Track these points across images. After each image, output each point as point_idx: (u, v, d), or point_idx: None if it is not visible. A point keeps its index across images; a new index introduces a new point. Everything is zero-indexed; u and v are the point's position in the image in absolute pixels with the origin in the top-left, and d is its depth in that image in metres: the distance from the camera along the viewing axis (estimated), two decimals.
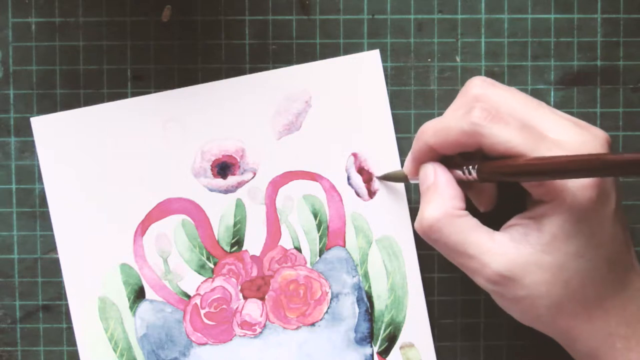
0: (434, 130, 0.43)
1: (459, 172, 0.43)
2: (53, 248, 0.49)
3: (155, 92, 0.49)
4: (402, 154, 0.49)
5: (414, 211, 0.49)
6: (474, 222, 0.43)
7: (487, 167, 0.42)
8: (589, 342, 0.43)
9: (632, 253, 0.44)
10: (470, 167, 0.43)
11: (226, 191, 0.49)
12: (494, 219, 0.44)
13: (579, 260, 0.41)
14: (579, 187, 0.40)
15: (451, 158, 0.45)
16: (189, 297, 0.49)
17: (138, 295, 0.49)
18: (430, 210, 0.43)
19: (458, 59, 0.50)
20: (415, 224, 0.44)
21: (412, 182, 0.47)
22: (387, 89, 0.49)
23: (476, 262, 0.42)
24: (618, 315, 0.42)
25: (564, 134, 0.41)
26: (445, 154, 0.44)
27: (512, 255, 0.41)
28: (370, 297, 0.49)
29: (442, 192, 0.43)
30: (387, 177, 0.49)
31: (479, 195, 0.46)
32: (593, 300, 0.42)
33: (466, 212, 0.43)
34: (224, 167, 0.49)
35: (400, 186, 0.49)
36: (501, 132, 0.41)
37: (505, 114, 0.42)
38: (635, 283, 0.43)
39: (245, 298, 0.49)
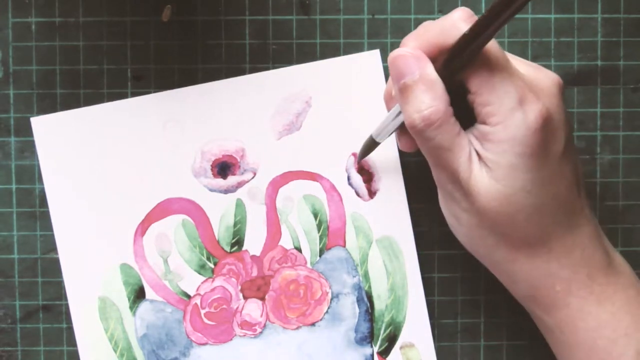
0: (415, 33, 0.42)
1: None
2: (53, 248, 0.49)
3: (155, 92, 0.49)
4: (402, 153, 0.49)
5: (414, 211, 0.49)
6: (458, 123, 0.42)
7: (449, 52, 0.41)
8: (529, 280, 0.43)
9: (582, 197, 0.43)
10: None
11: (226, 191, 0.49)
12: None
13: (525, 195, 0.41)
14: (525, 119, 0.40)
15: None
16: (189, 297, 0.49)
17: (138, 295, 0.49)
18: (428, 105, 0.41)
19: None
20: (411, 120, 0.41)
21: (379, 139, 0.46)
22: None
23: (456, 165, 0.41)
24: (561, 257, 0.42)
25: (524, 68, 0.42)
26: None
27: (474, 172, 0.41)
28: (370, 297, 0.49)
29: (436, 87, 0.41)
30: (363, 153, 0.48)
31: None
32: (537, 238, 0.42)
33: (452, 111, 0.41)
34: (224, 167, 0.49)
35: (401, 186, 0.49)
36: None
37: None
38: (582, 227, 0.42)
39: (245, 298, 0.49)
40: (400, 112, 0.44)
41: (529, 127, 0.40)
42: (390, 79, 0.43)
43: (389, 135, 0.46)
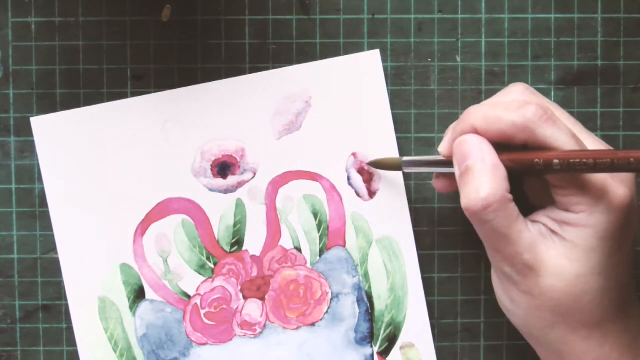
0: (484, 116, 0.42)
1: None
2: (53, 248, 0.49)
3: (155, 92, 0.49)
4: (402, 153, 0.49)
5: (414, 211, 0.49)
6: (517, 208, 0.42)
7: (519, 157, 0.42)
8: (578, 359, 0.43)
9: (633, 283, 0.44)
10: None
11: (226, 191, 0.49)
12: None
13: (596, 278, 0.41)
14: (610, 205, 0.41)
15: None
16: (189, 297, 0.49)
17: (138, 295, 0.49)
18: (487, 190, 0.41)
19: (458, 58, 0.50)
20: (468, 200, 0.42)
21: (407, 170, 0.46)
22: (387, 89, 0.49)
23: (513, 249, 0.41)
24: (614, 341, 0.42)
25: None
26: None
27: (541, 253, 0.41)
28: (370, 297, 0.49)
29: (496, 172, 0.42)
30: (379, 164, 0.48)
31: None
32: (597, 321, 0.42)
33: (512, 197, 0.42)
34: (224, 167, 0.49)
35: (401, 186, 0.49)
36: (555, 134, 0.41)
37: (557, 117, 0.42)
38: (634, 311, 0.43)
39: (245, 298, 0.49)
40: (441, 163, 0.45)
41: (614, 213, 0.41)
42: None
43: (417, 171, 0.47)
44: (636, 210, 0.42)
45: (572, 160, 0.40)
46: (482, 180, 0.41)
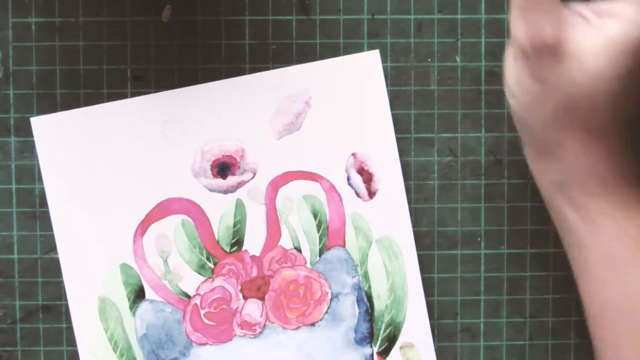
0: None
1: None
2: (53, 248, 0.49)
3: (155, 92, 0.49)
4: (402, 154, 0.49)
5: (413, 211, 0.49)
6: None
7: None
8: (568, 166, 0.41)
9: None
10: None
11: (226, 191, 0.49)
12: None
13: (615, 81, 0.39)
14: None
15: None
16: (188, 297, 0.49)
17: (138, 295, 0.49)
18: None
19: (458, 59, 0.50)
20: None
21: None
22: (387, 89, 0.49)
23: (540, 15, 0.39)
24: (611, 156, 0.40)
25: None
26: None
27: (567, 35, 0.39)
28: (370, 297, 0.49)
29: None
30: None
31: None
32: (599, 128, 0.40)
33: None
34: (223, 167, 0.49)
35: (400, 186, 0.49)
36: None
37: None
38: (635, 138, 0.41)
39: (245, 298, 0.49)
40: None
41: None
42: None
43: None
44: None
45: None
46: None
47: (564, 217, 0.42)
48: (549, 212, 0.44)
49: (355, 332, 0.49)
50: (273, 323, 0.49)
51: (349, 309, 0.49)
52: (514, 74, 0.42)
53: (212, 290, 0.49)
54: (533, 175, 0.44)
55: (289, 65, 0.49)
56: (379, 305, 0.49)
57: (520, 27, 0.40)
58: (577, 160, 0.41)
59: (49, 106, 0.49)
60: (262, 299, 0.49)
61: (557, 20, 0.39)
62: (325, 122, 0.49)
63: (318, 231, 0.49)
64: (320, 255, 0.49)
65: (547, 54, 0.39)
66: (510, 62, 0.42)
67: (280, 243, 0.49)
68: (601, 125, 0.40)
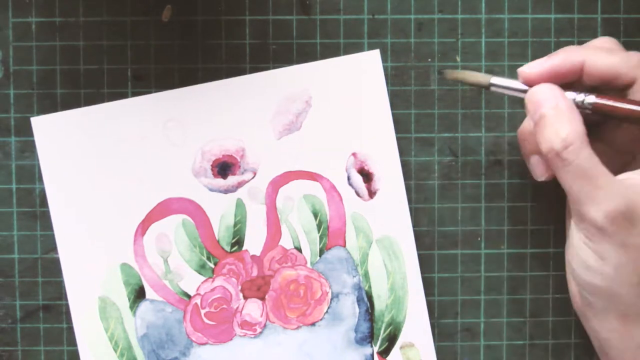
0: (595, 50, 0.43)
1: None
2: (53, 248, 0.49)
3: (155, 91, 0.49)
4: (402, 153, 0.49)
5: (413, 211, 0.49)
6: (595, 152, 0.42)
7: (607, 102, 0.42)
8: (625, 348, 0.43)
9: None
10: (588, 95, 0.42)
11: (226, 191, 0.49)
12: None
13: None
14: None
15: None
16: (189, 297, 0.49)
17: (138, 295, 0.49)
18: (567, 128, 0.41)
19: (458, 59, 0.50)
20: (548, 143, 0.42)
21: (493, 89, 0.45)
22: (387, 89, 0.49)
23: (601, 193, 0.41)
24: None
25: None
26: (584, 80, 0.43)
27: (636, 200, 0.40)
28: (370, 297, 0.49)
29: (573, 116, 0.42)
30: (460, 78, 0.46)
31: None
32: None
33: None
34: (224, 167, 0.49)
35: (401, 186, 0.49)
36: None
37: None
38: None
39: (245, 298, 0.49)
40: (525, 91, 0.44)
41: None
42: (527, 117, 0.44)
43: (499, 93, 0.46)
44: None
45: None
46: (560, 122, 0.42)
47: None
48: None
49: (356, 331, 0.49)
50: (273, 323, 0.49)
51: (350, 308, 0.49)
52: (592, 252, 0.42)
53: (213, 290, 0.49)
54: (613, 343, 0.44)
55: (289, 65, 0.49)
56: (379, 305, 0.49)
57: (595, 211, 0.41)
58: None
59: (50, 106, 0.49)
60: (263, 298, 0.49)
61: (624, 188, 0.41)
62: (325, 122, 0.49)
63: (318, 231, 0.49)
64: (320, 255, 0.49)
65: (624, 222, 0.40)
66: (579, 245, 0.43)
67: (281, 243, 0.49)
68: None
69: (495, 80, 0.45)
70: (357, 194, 0.49)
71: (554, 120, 0.42)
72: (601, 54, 0.43)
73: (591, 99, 0.43)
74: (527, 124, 0.46)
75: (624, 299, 0.42)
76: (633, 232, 0.41)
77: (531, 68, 0.44)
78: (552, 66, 0.44)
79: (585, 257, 0.43)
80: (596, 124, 0.45)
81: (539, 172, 0.46)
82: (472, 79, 0.45)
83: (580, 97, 0.43)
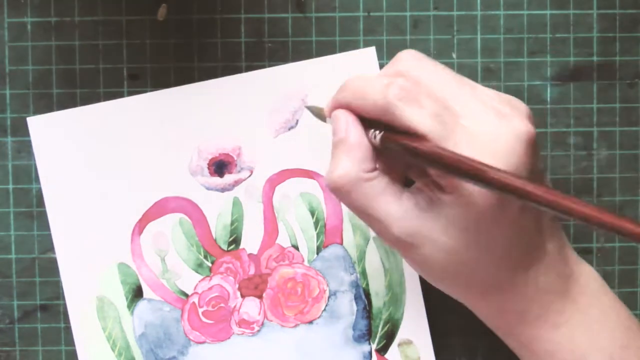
0: (354, 91, 0.42)
1: (369, 132, 0.42)
2: (50, 248, 0.49)
3: (151, 91, 0.49)
4: None
5: None
6: (383, 184, 0.41)
7: (391, 138, 0.40)
8: (484, 315, 0.44)
9: (544, 227, 0.42)
10: (377, 132, 0.41)
11: (223, 189, 0.49)
12: None
13: (470, 253, 0.40)
14: (477, 190, 0.39)
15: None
16: (186, 295, 0.49)
17: (136, 294, 0.49)
18: (339, 171, 0.41)
19: (454, 55, 0.50)
20: (325, 179, 0.42)
21: (328, 122, 0.45)
22: None
23: (381, 225, 0.41)
24: (515, 296, 0.42)
25: (479, 124, 0.39)
26: (361, 115, 0.42)
27: (414, 225, 0.40)
28: (368, 295, 0.49)
29: (352, 153, 0.41)
30: (312, 110, 0.47)
31: (387, 163, 0.43)
32: (487, 286, 0.42)
33: (375, 174, 0.41)
34: (220, 166, 0.49)
35: None
36: (413, 115, 0.39)
37: (423, 94, 0.40)
38: (539, 262, 0.42)
39: (243, 296, 0.49)
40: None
41: (481, 199, 0.39)
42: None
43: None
44: (515, 185, 0.38)
45: (437, 153, 0.38)
46: (339, 159, 0.41)
47: (508, 344, 0.45)
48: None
49: (354, 329, 0.49)
50: (271, 321, 0.49)
51: (347, 306, 0.49)
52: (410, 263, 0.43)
53: (210, 288, 0.49)
54: (485, 320, 0.45)
55: (285, 63, 0.49)
56: (377, 302, 0.49)
57: (379, 235, 0.42)
58: (488, 310, 0.43)
59: (46, 106, 0.49)
60: (260, 297, 0.49)
61: (402, 217, 0.41)
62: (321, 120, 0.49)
63: (315, 229, 0.49)
64: (317, 253, 0.49)
65: (406, 246, 0.41)
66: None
67: (278, 241, 0.49)
68: (487, 285, 0.42)
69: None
70: None
71: (336, 155, 0.42)
72: (359, 99, 0.41)
73: (379, 134, 0.41)
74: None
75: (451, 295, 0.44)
76: (417, 253, 0.41)
77: (327, 111, 0.44)
78: (335, 107, 0.43)
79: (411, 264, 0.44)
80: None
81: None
82: (318, 113, 0.46)
83: (374, 132, 0.42)
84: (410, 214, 0.41)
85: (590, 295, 0.43)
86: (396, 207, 0.41)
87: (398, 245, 0.42)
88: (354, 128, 0.42)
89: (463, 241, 0.40)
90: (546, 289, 0.42)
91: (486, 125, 0.39)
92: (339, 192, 0.41)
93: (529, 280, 0.42)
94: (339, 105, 0.43)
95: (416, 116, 0.39)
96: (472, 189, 0.39)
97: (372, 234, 0.49)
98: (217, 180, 0.49)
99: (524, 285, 0.42)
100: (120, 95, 0.49)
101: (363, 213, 0.42)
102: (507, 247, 0.41)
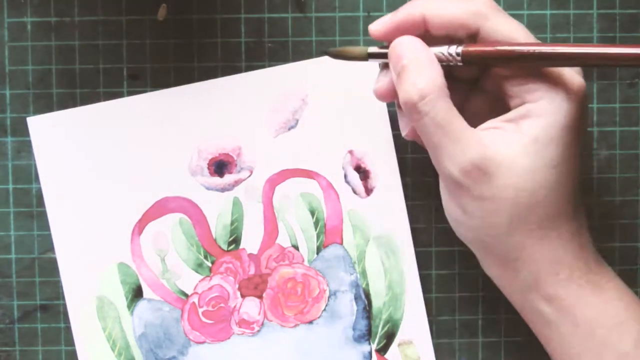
0: (426, 5, 0.42)
1: (438, 54, 0.42)
2: (50, 248, 0.49)
3: (151, 91, 0.49)
4: (399, 150, 0.49)
5: (411, 208, 0.49)
6: (457, 106, 0.41)
7: (474, 48, 0.41)
8: (534, 268, 0.42)
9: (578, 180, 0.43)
10: (456, 46, 0.42)
11: (223, 189, 0.49)
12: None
13: (551, 171, 0.40)
14: (568, 92, 0.40)
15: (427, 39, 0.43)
16: (186, 295, 0.49)
17: (136, 294, 0.49)
18: (424, 80, 0.41)
19: None
20: (405, 94, 0.41)
21: (372, 61, 0.44)
22: None
23: (457, 146, 0.40)
24: (567, 243, 0.41)
25: None
26: (431, 32, 0.43)
27: (491, 151, 0.40)
28: (368, 295, 0.49)
29: (433, 67, 0.41)
30: (341, 54, 0.46)
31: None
32: (552, 218, 0.41)
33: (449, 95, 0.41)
34: (220, 166, 0.49)
35: (398, 183, 0.49)
36: (506, 23, 0.41)
37: (506, 13, 0.42)
38: (582, 213, 0.42)
39: (243, 296, 0.49)
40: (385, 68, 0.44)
41: (573, 100, 0.40)
42: (380, 75, 0.44)
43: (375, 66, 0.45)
44: (587, 102, 0.41)
45: (536, 50, 0.39)
46: (418, 74, 0.41)
47: (540, 314, 0.43)
48: (524, 318, 0.44)
49: (354, 329, 0.49)
50: (271, 321, 0.49)
51: (347, 306, 0.49)
52: (455, 206, 0.42)
53: (210, 288, 0.49)
54: (502, 291, 0.44)
55: (285, 63, 0.49)
56: (377, 302, 0.49)
57: (451, 165, 0.41)
58: (542, 256, 0.42)
59: (45, 106, 0.49)
60: (260, 297, 0.49)
61: (478, 141, 0.41)
62: (321, 120, 0.49)
63: (315, 229, 0.49)
64: (317, 253, 0.49)
65: (479, 176, 0.40)
66: (444, 195, 0.43)
67: (278, 241, 0.49)
68: (551, 217, 0.41)
69: (372, 49, 0.44)
70: (354, 191, 0.49)
71: (412, 72, 0.41)
72: (441, 5, 0.42)
73: (459, 49, 0.42)
74: (382, 82, 0.45)
75: (496, 250, 0.42)
76: (489, 184, 0.40)
77: (378, 25, 0.43)
78: (396, 21, 0.43)
79: (452, 211, 0.43)
80: (475, 80, 0.45)
81: (401, 129, 0.45)
82: (350, 53, 0.45)
83: (451, 49, 0.42)
84: (487, 140, 0.40)
85: (609, 267, 0.43)
86: (472, 132, 0.41)
87: (470, 173, 0.40)
88: (424, 47, 0.42)
89: (546, 159, 0.40)
90: (587, 246, 0.42)
91: None
92: (425, 102, 0.40)
93: (579, 228, 0.42)
94: (404, 23, 0.43)
95: (508, 24, 0.41)
96: (564, 90, 0.40)
97: (372, 234, 0.49)
98: (217, 180, 0.49)
99: (576, 233, 0.42)
100: (120, 95, 0.49)
101: (444, 128, 0.40)
102: (576, 173, 0.41)
